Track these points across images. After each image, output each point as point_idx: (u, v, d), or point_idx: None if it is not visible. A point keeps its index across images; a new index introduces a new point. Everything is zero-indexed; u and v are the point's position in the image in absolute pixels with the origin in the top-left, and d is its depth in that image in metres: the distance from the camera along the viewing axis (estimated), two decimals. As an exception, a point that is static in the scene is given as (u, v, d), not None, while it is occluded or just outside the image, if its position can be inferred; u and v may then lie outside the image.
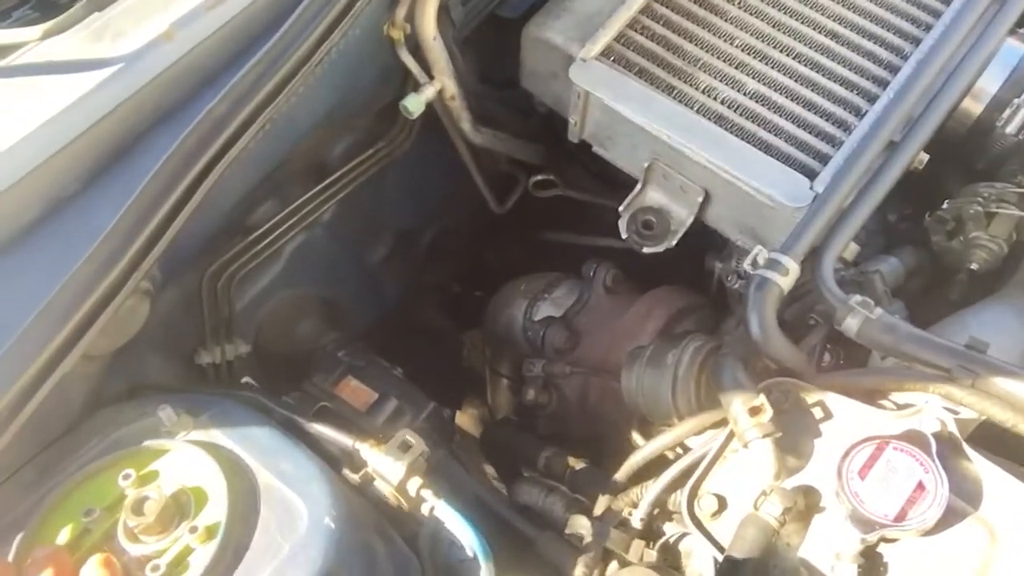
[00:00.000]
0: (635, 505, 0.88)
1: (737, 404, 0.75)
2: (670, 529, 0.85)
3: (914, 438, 0.71)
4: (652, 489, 0.86)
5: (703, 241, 1.10)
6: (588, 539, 0.90)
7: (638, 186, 1.04)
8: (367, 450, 0.83)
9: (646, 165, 1.01)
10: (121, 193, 0.81)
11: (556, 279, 1.29)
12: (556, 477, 1.07)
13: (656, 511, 0.87)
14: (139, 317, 0.89)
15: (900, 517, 0.68)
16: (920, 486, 0.69)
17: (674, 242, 1.02)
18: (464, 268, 1.54)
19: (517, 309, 1.28)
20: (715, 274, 1.16)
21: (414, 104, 1.06)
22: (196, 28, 0.90)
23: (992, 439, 0.77)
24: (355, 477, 0.83)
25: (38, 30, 0.88)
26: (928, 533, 0.69)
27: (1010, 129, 0.97)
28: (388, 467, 0.81)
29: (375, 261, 1.30)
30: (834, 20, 1.02)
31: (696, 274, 1.21)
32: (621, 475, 0.94)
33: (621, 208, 1.04)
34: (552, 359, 1.20)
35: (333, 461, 0.88)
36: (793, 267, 0.85)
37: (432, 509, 0.80)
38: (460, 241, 1.46)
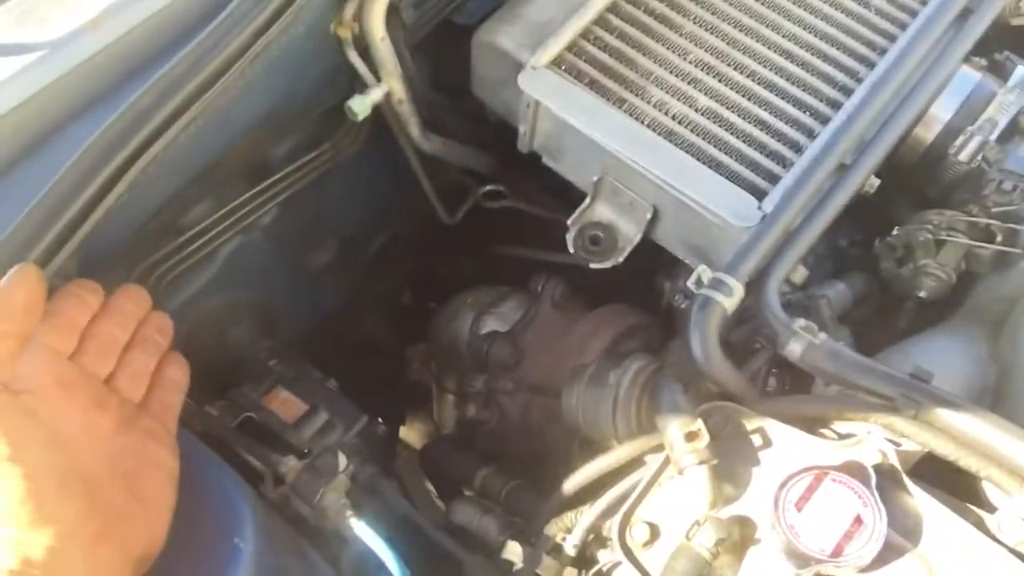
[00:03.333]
0: (570, 531, 0.85)
1: (674, 428, 0.72)
2: (604, 557, 0.81)
3: (853, 469, 0.69)
4: (587, 515, 0.83)
5: (655, 260, 1.08)
6: (519, 565, 0.87)
7: (587, 200, 1.01)
8: (286, 466, 0.79)
9: (595, 179, 0.98)
10: (35, 185, 0.77)
11: (504, 293, 1.26)
12: (493, 497, 1.03)
13: (590, 537, 0.83)
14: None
15: (837, 552, 0.65)
16: (858, 520, 0.66)
17: (621, 258, 0.99)
18: (412, 280, 1.51)
19: (463, 323, 1.25)
20: (664, 294, 1.13)
21: (360, 106, 1.02)
22: (127, 16, 0.86)
23: (937, 472, 0.75)
24: (273, 494, 0.79)
25: (-43, 14, 0.84)
26: (865, 570, 0.67)
27: (962, 157, 0.95)
28: (307, 484, 0.77)
29: (317, 268, 1.26)
30: (789, 40, 1.00)
31: (646, 293, 1.18)
32: (557, 499, 0.90)
33: (569, 221, 1.01)
34: (495, 375, 1.17)
35: (253, 476, 0.84)
36: (738, 288, 0.82)
37: (351, 529, 0.76)
38: (408, 251, 1.42)
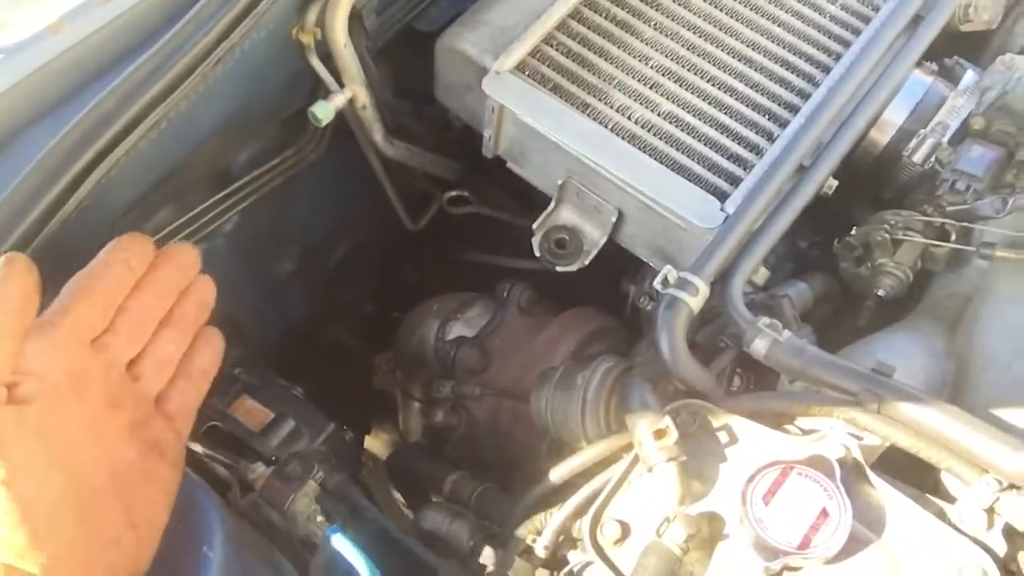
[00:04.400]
0: (540, 532, 0.85)
1: (642, 426, 0.73)
2: (574, 558, 0.82)
3: (818, 463, 0.70)
4: (556, 516, 0.83)
5: (619, 263, 1.09)
6: (491, 568, 0.87)
7: (551, 204, 1.02)
8: (255, 472, 0.78)
9: (560, 183, 0.99)
10: (-5, 190, 0.76)
11: (470, 299, 1.26)
12: (463, 502, 1.03)
13: (561, 538, 0.84)
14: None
15: (804, 544, 0.66)
16: (824, 513, 0.67)
17: (587, 261, 1.00)
18: (377, 286, 1.50)
19: (429, 329, 1.24)
20: (629, 296, 1.14)
21: (323, 111, 1.01)
22: (87, 21, 0.85)
23: (900, 465, 0.77)
24: (242, 502, 0.78)
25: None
26: (831, 561, 0.68)
27: (916, 158, 0.98)
28: (277, 491, 0.76)
29: (281, 276, 1.25)
30: (747, 45, 1.02)
31: (611, 296, 1.19)
32: (527, 501, 0.91)
33: (535, 226, 1.02)
34: (463, 380, 1.17)
35: (220, 485, 0.83)
36: (703, 287, 0.83)
37: (322, 536, 0.76)
38: (373, 258, 1.42)
